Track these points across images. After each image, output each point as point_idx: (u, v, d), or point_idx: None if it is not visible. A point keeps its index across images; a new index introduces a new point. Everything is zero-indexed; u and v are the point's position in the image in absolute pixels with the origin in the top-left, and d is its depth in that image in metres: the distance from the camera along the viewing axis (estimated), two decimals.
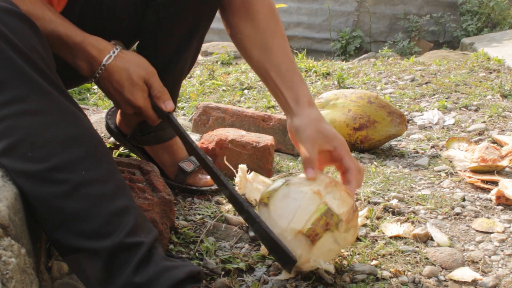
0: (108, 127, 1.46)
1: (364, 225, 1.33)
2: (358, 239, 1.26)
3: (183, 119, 2.37)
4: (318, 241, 0.98)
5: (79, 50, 0.99)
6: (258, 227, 0.99)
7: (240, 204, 1.00)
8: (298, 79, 1.10)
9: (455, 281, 1.11)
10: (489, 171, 1.67)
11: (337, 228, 0.98)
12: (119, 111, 1.44)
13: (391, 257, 1.19)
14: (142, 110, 1.02)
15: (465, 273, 1.13)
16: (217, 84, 2.92)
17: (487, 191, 1.58)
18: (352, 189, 1.05)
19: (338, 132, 1.09)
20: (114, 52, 1.01)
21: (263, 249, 1.18)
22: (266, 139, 1.60)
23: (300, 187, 1.02)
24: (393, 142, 2.04)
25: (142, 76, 1.01)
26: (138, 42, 1.25)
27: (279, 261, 1.03)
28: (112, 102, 1.10)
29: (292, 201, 1.01)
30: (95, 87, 2.79)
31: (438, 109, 2.42)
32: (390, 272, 1.13)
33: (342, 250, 1.18)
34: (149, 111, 1.02)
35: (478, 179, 1.62)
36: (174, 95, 1.29)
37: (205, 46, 4.51)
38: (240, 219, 1.32)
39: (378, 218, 1.38)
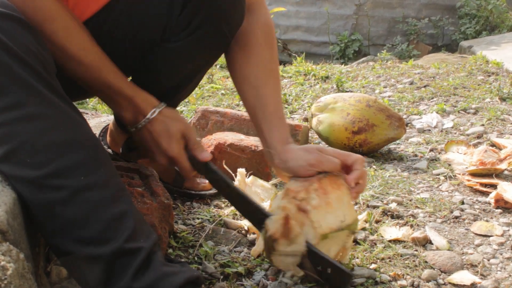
0: None
1: (363, 229, 1.33)
2: (357, 242, 1.26)
3: None
4: (273, 262, 1.03)
5: (129, 103, 1.03)
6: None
7: None
8: (281, 122, 1.14)
9: (454, 285, 1.11)
10: (488, 174, 1.67)
11: (274, 249, 1.00)
12: (108, 132, 1.45)
13: (390, 261, 1.19)
14: (176, 160, 1.07)
15: (464, 277, 1.13)
16: (216, 87, 2.92)
17: (486, 194, 1.58)
18: (355, 192, 1.08)
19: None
20: (159, 107, 1.05)
21: (253, 251, 1.18)
22: None
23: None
24: (392, 146, 2.04)
25: (180, 130, 1.06)
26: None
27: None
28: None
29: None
30: None
31: (437, 112, 2.42)
32: (389, 275, 1.13)
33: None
34: (183, 162, 1.07)
35: (477, 182, 1.62)
36: None
37: None
38: (238, 223, 1.32)
39: (377, 221, 1.38)
